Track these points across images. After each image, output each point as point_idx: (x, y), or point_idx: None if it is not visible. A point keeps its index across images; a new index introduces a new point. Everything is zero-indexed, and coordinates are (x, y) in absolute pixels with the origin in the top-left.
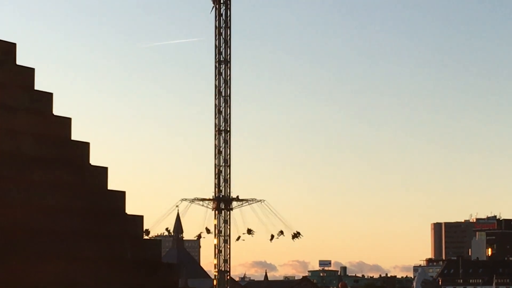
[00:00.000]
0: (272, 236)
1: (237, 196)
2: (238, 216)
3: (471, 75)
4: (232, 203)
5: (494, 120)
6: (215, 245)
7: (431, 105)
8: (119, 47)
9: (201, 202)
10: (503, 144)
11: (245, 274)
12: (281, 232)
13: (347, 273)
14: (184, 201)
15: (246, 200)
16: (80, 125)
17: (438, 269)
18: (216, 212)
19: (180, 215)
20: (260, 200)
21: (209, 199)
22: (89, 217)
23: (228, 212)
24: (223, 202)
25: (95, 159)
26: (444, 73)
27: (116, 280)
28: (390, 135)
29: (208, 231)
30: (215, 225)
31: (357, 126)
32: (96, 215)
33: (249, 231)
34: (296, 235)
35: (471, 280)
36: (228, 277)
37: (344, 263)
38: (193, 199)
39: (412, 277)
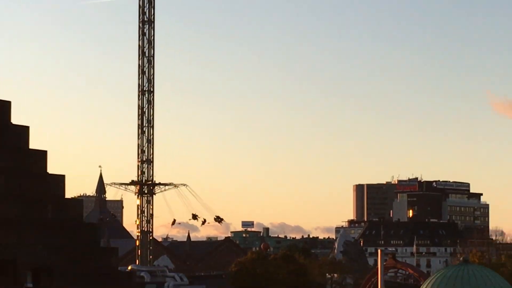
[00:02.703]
0: (194, 216)
1: (159, 182)
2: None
3: (395, 39)
4: (155, 188)
5: (414, 83)
6: (137, 205)
7: (353, 67)
8: (41, 4)
9: (123, 187)
10: (423, 107)
11: (167, 235)
12: (204, 221)
13: (269, 234)
14: (108, 186)
15: (169, 184)
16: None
17: (359, 231)
18: (139, 195)
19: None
20: (182, 184)
21: (132, 183)
22: (10, 177)
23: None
24: (146, 186)
25: (17, 119)
26: (364, 36)
27: (39, 240)
28: (311, 96)
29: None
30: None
31: (282, 89)
32: (17, 175)
33: (194, 217)
34: (218, 220)
35: (392, 241)
36: (150, 238)
37: (266, 224)
38: (117, 184)
39: (334, 238)
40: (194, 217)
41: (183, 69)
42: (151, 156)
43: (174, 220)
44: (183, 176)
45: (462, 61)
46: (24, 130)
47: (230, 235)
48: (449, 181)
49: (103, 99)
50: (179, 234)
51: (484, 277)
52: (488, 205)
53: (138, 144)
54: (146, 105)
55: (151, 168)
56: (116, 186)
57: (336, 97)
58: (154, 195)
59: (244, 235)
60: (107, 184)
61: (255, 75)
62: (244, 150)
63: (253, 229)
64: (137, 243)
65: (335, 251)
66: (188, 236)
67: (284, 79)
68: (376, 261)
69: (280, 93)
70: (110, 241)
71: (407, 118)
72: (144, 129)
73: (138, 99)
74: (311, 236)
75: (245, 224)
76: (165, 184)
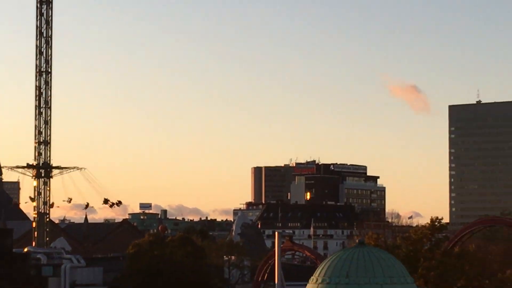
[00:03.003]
0: (87, 205)
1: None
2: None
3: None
4: (52, 170)
5: (310, 66)
6: (34, 187)
7: (248, 48)
8: None
9: (21, 170)
10: (320, 90)
11: (64, 217)
12: (113, 204)
13: (167, 216)
14: (6, 169)
15: (67, 168)
16: None
17: (257, 213)
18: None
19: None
20: (79, 168)
21: (29, 166)
22: None
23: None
24: (43, 170)
25: None
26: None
27: None
28: (209, 79)
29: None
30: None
31: (178, 72)
32: None
33: (106, 201)
34: (116, 204)
35: (289, 224)
36: (47, 219)
37: (164, 206)
38: (13, 167)
39: (232, 220)
40: (106, 201)
41: (81, 49)
42: (49, 138)
43: (87, 204)
44: (81, 158)
45: (359, 45)
46: None
47: (127, 217)
48: (347, 164)
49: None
50: (76, 216)
51: (379, 259)
52: (384, 188)
53: (35, 125)
54: (44, 86)
55: (49, 149)
56: (12, 169)
57: (234, 79)
58: (51, 178)
59: (142, 217)
60: (3, 167)
61: (155, 58)
62: (142, 133)
63: (151, 211)
64: (34, 224)
65: (233, 233)
66: (86, 218)
67: (186, 63)
68: (273, 243)
69: (178, 76)
70: (6, 223)
71: (305, 102)
72: (41, 110)
73: (36, 80)
74: (209, 219)
75: (143, 206)
76: (62, 168)
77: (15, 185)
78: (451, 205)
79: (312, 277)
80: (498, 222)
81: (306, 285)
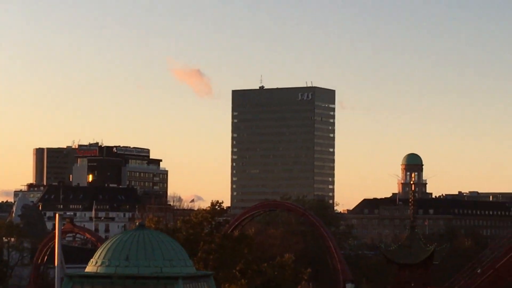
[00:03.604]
0: None
1: None
2: None
3: None
4: None
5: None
6: None
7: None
8: None
9: None
10: (101, 70)
11: None
12: None
13: None
14: None
15: None
16: None
17: (39, 195)
18: None
19: None
20: None
21: None
22: None
23: None
24: None
25: None
26: None
27: None
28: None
29: None
30: None
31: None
32: None
33: None
34: None
35: (71, 206)
36: None
37: None
38: None
39: (13, 201)
40: None
41: None
42: None
43: None
44: None
45: (144, 27)
46: None
47: None
48: (130, 147)
49: None
50: None
51: (158, 242)
52: (167, 171)
53: None
54: None
55: None
56: None
57: (8, 57)
58: None
59: None
60: None
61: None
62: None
63: None
64: None
65: (13, 214)
66: None
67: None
68: (54, 225)
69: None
70: None
71: (87, 83)
72: None
73: None
74: None
75: None
76: None
77: None
78: (232, 189)
79: (91, 260)
80: (278, 206)
81: (86, 267)
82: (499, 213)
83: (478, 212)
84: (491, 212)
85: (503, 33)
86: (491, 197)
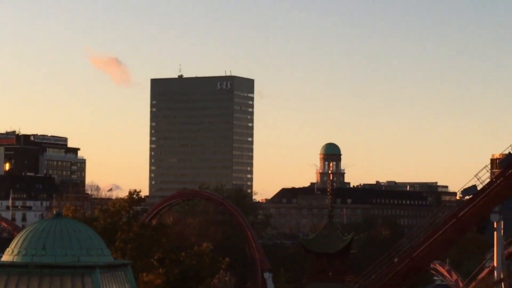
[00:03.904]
0: None
1: None
2: None
3: None
4: None
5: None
6: None
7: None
8: None
9: None
10: (16, 57)
11: None
12: None
13: None
14: None
15: None
16: None
17: None
18: None
19: None
20: None
21: None
22: None
23: None
24: None
25: None
26: None
27: None
28: None
29: None
30: None
31: None
32: None
33: None
34: None
35: None
36: None
37: None
38: None
39: None
40: None
41: None
42: None
43: None
44: None
45: (63, 14)
46: None
47: None
48: (47, 135)
49: None
50: None
51: (76, 231)
52: (84, 160)
53: None
54: None
55: None
56: None
57: None
58: None
59: None
60: None
61: None
62: None
63: None
64: None
65: None
66: None
67: None
68: None
69: None
70: None
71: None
72: None
73: None
74: None
75: None
76: None
77: None
78: (151, 178)
79: (7, 249)
80: (196, 195)
81: (1, 256)
82: (416, 202)
83: (396, 202)
84: (408, 202)
85: (412, 22)
86: (408, 186)
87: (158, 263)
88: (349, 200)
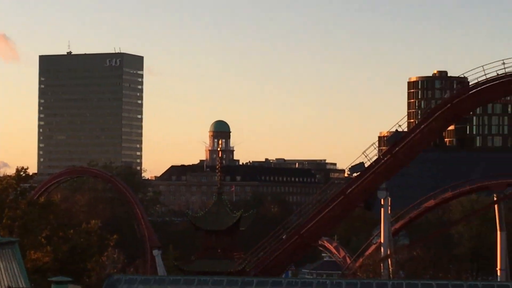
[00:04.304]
0: None
1: None
2: None
3: None
4: None
5: None
6: None
7: None
8: None
9: None
10: None
11: None
12: None
13: None
14: None
15: None
16: None
17: None
18: None
19: None
20: None
21: None
22: None
23: None
24: None
25: None
26: None
27: None
28: None
29: None
30: None
31: None
32: None
33: None
34: None
35: None
36: None
37: None
38: None
39: None
40: None
41: None
42: None
43: None
44: None
45: None
46: None
47: None
48: None
49: None
50: None
51: None
52: None
53: None
54: None
55: None
56: None
57: None
58: None
59: None
60: None
61: None
62: None
63: None
64: None
65: None
66: None
67: None
68: None
69: None
70: None
71: None
72: None
73: None
74: None
75: None
76: None
77: None
78: (39, 156)
79: None
80: (84, 172)
81: None
82: (304, 180)
83: (284, 179)
84: (297, 179)
85: None
86: (297, 164)
87: (46, 240)
88: (238, 178)
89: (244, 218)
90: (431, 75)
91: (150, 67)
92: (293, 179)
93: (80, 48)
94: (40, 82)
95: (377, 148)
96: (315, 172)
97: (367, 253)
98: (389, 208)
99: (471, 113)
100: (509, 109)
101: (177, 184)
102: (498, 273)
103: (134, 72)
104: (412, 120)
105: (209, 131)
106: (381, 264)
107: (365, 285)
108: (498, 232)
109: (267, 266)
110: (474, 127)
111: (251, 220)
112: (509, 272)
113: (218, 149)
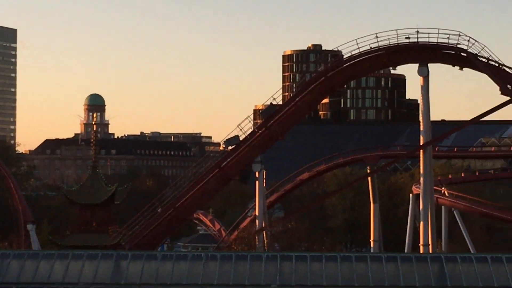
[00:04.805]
0: None
1: None
2: None
3: None
4: None
5: None
6: None
7: None
8: None
9: None
10: None
11: None
12: None
13: None
14: None
15: None
16: None
17: None
18: None
19: None
20: None
21: None
22: None
23: None
24: None
25: None
26: None
27: None
28: None
29: None
30: None
31: None
32: None
33: None
34: None
35: None
36: None
37: None
38: None
39: None
40: None
41: None
42: None
43: None
44: None
45: None
46: None
47: None
48: None
49: None
50: None
51: None
52: None
53: None
54: None
55: None
56: None
57: None
58: None
59: None
60: None
61: None
62: None
63: None
64: None
65: None
66: None
67: None
68: None
69: None
70: None
71: None
72: None
73: None
74: None
75: None
76: None
77: None
78: None
79: None
80: None
81: None
82: (180, 153)
83: (160, 153)
84: (172, 153)
85: None
86: (172, 137)
87: None
88: (113, 151)
89: (119, 191)
90: (305, 48)
91: (24, 40)
92: (168, 152)
93: None
94: None
95: (252, 121)
96: (191, 146)
97: (242, 226)
98: (264, 181)
99: (345, 86)
100: (383, 83)
101: (51, 158)
102: (371, 244)
103: (7, 45)
104: (287, 94)
105: (84, 105)
106: (256, 237)
107: (240, 257)
108: (371, 204)
109: (143, 240)
110: (348, 100)
111: (126, 194)
112: (382, 243)
113: (93, 122)
